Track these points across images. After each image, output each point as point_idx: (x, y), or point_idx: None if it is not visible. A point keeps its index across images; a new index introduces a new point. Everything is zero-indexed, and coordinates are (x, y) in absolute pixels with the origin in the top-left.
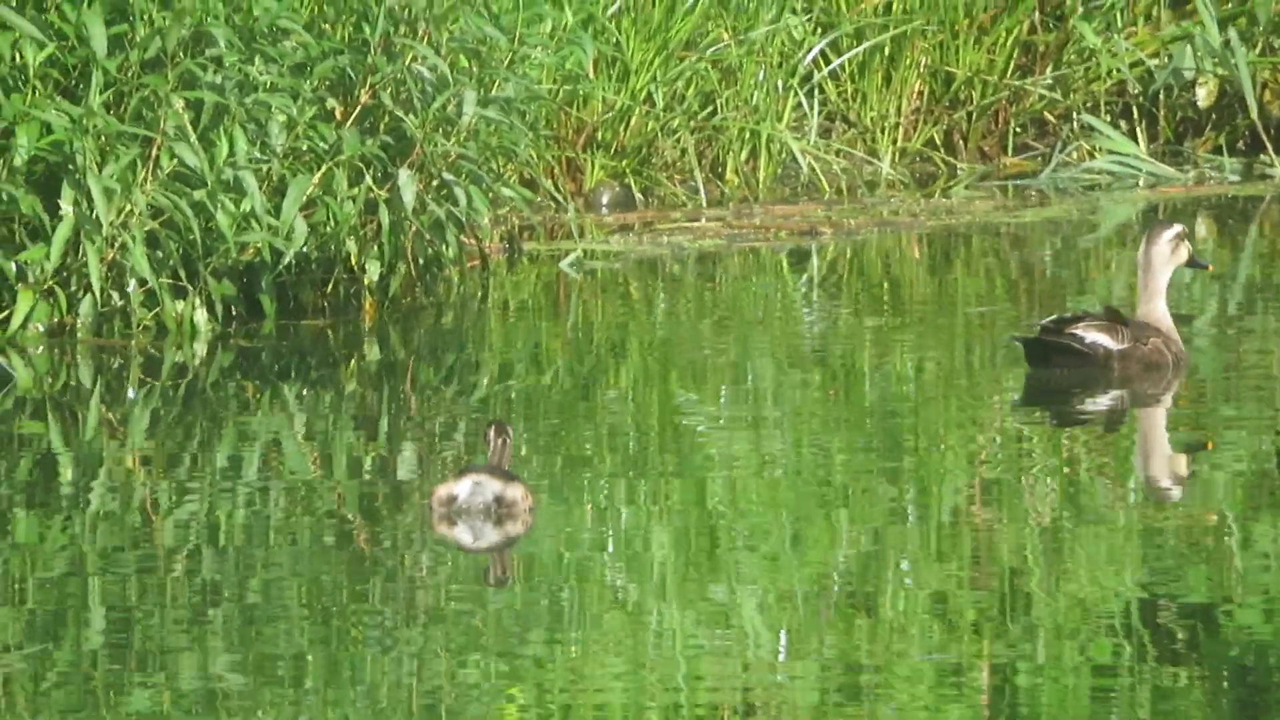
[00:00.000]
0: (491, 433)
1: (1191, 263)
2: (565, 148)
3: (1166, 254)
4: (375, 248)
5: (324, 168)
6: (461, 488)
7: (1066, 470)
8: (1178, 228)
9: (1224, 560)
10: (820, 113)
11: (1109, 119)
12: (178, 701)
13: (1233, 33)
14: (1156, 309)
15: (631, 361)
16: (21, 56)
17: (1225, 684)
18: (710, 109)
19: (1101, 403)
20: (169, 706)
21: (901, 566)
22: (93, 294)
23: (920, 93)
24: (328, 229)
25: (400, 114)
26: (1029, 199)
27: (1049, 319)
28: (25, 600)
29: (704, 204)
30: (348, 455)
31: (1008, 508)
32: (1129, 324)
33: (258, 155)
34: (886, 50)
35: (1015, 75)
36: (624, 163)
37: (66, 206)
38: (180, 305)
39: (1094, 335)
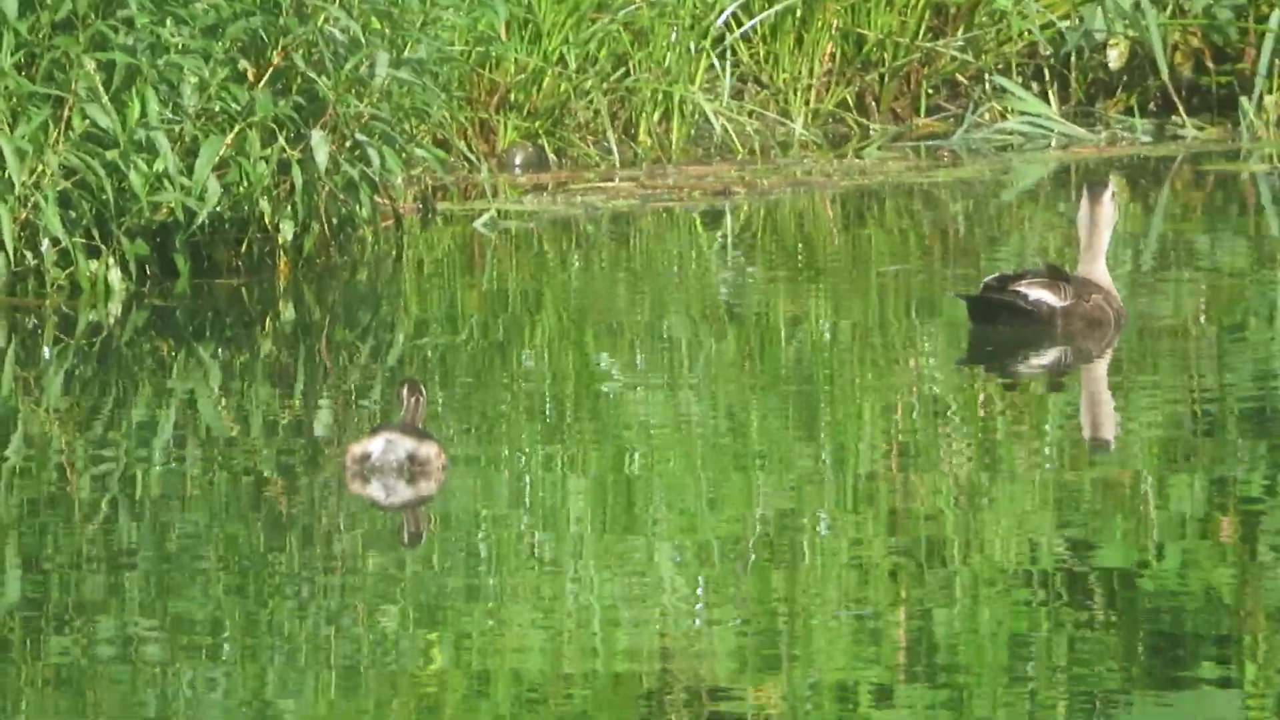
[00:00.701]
0: (404, 391)
1: None
2: (478, 109)
3: (1111, 212)
4: (289, 207)
5: (237, 128)
6: (374, 445)
7: (988, 426)
8: (1113, 185)
9: (1143, 516)
10: (733, 74)
11: (1021, 80)
12: (93, 658)
13: None
14: (1098, 267)
15: (546, 320)
16: None
17: (1141, 638)
18: (623, 70)
19: (1042, 359)
20: (85, 663)
21: (819, 521)
22: (6, 254)
23: (832, 54)
24: (241, 189)
25: (313, 75)
26: (941, 160)
27: (992, 276)
28: None
29: (617, 164)
30: (263, 414)
31: (926, 464)
32: (1071, 281)
33: (170, 116)
34: (799, 12)
35: (927, 37)
36: (537, 124)
37: None
38: (94, 265)
39: (1037, 292)
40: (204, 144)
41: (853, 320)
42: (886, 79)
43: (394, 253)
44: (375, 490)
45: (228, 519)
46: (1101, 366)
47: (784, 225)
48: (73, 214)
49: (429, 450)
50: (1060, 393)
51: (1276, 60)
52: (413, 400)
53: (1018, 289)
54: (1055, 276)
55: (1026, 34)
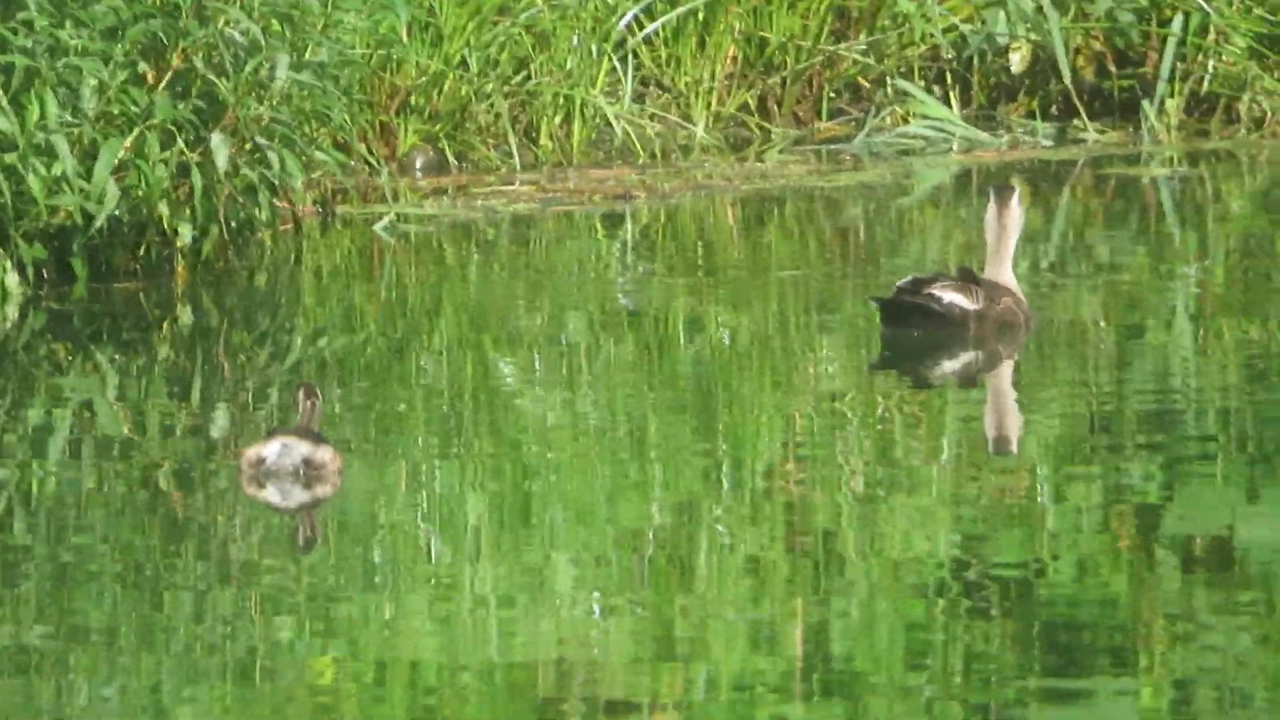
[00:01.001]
0: (300, 395)
1: None
2: (379, 112)
3: (1019, 216)
4: (188, 211)
5: (136, 131)
6: (270, 450)
7: (889, 429)
8: (1018, 189)
9: (1041, 520)
10: (634, 77)
11: (923, 84)
12: None
13: None
14: (1005, 271)
15: (445, 324)
16: None
17: (1037, 643)
18: (524, 74)
19: (954, 363)
20: None
21: (716, 527)
22: None
23: (734, 57)
24: (140, 192)
25: (213, 78)
26: (843, 163)
27: (905, 279)
28: None
29: (518, 168)
30: (160, 418)
31: (825, 466)
32: (981, 284)
33: (69, 119)
34: (700, 15)
35: (829, 40)
36: (438, 127)
37: None
38: None
39: (950, 295)
40: (103, 147)
41: (752, 323)
42: (788, 82)
43: (293, 256)
44: (271, 494)
45: (123, 523)
46: (1008, 370)
47: (684, 229)
48: None
49: (325, 454)
50: (966, 396)
51: (1178, 64)
52: (309, 404)
53: (931, 292)
54: (967, 280)
55: (929, 37)
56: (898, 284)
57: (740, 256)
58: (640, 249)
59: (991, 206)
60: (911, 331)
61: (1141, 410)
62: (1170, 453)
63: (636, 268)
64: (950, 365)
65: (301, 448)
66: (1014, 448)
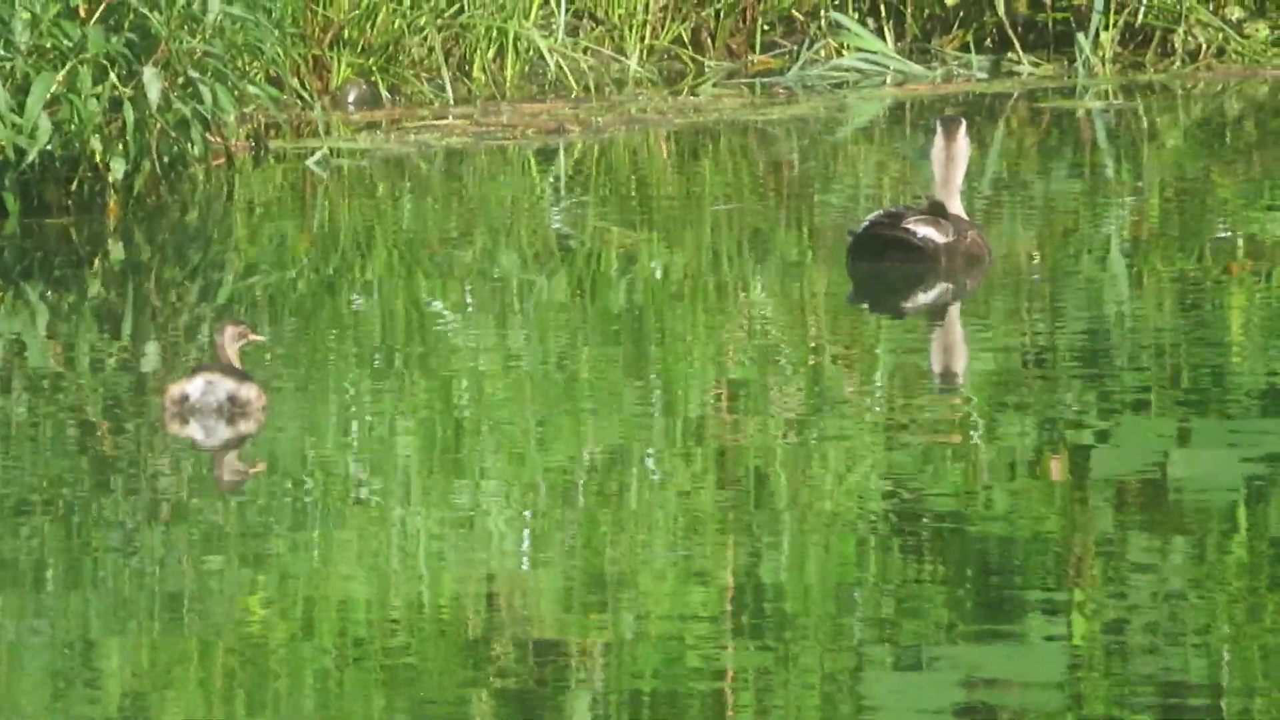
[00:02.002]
0: (223, 329)
1: None
2: (311, 45)
3: (966, 147)
4: (120, 146)
5: (68, 65)
6: (194, 387)
7: (812, 369)
8: (964, 121)
9: (972, 457)
10: (568, 10)
11: (857, 17)
12: None
13: None
14: (955, 203)
15: (377, 260)
16: None
17: (969, 582)
18: (457, 7)
19: (926, 295)
20: None
21: (648, 464)
22: None
23: None
24: (72, 127)
25: (145, 11)
26: (777, 97)
27: (876, 213)
28: None
29: (451, 102)
30: (90, 353)
31: (756, 405)
32: (948, 217)
33: (1, 53)
34: None
35: None
36: (371, 60)
37: None
38: None
39: (924, 229)
40: (35, 81)
41: (686, 258)
42: (722, 15)
43: (225, 192)
44: (194, 431)
45: (51, 460)
46: (967, 303)
47: (618, 163)
48: None
49: (249, 392)
50: (915, 329)
51: None
52: (224, 336)
53: (906, 225)
54: (936, 213)
55: None
56: (869, 218)
57: (674, 190)
58: (574, 183)
59: (938, 138)
60: (881, 265)
61: (1076, 344)
62: (1104, 387)
63: (570, 202)
64: (922, 298)
65: (226, 384)
66: (956, 382)
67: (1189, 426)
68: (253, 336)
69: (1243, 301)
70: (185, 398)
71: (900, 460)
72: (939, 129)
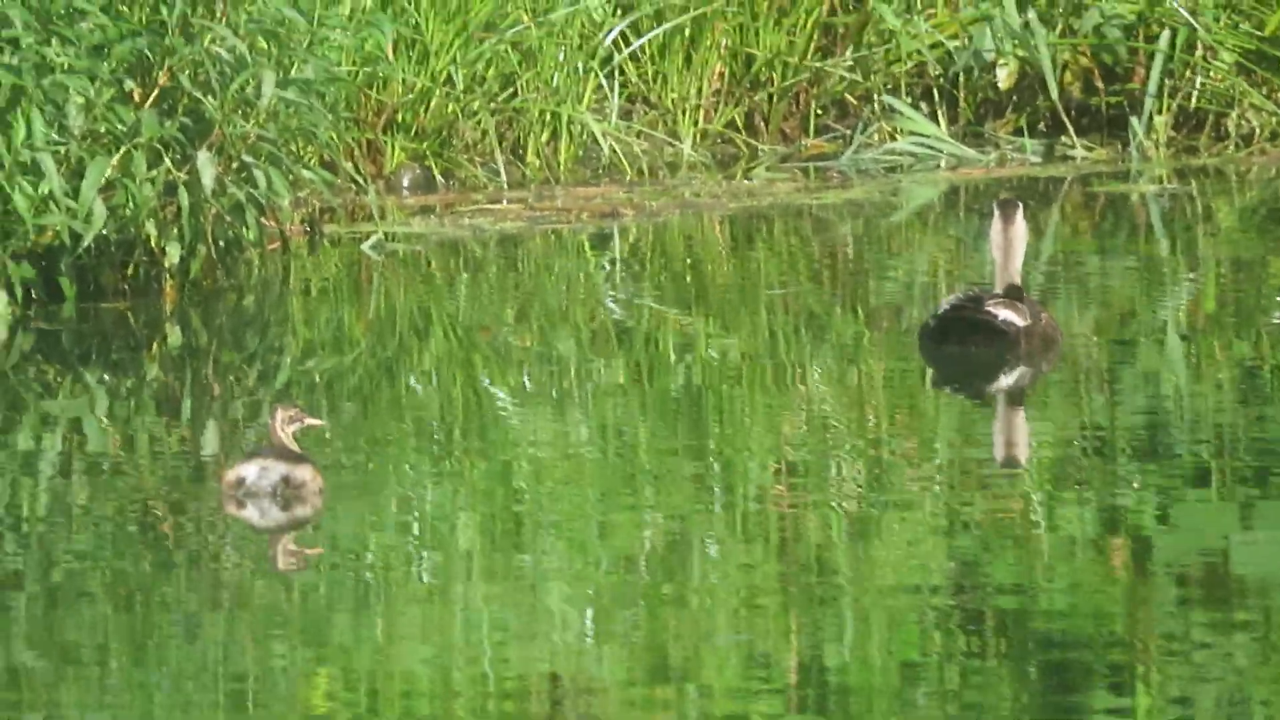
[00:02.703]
0: (275, 412)
1: None
2: (365, 130)
3: (1024, 231)
4: (175, 230)
5: (122, 150)
6: (249, 470)
7: (874, 452)
8: (1021, 204)
9: (1034, 542)
10: (621, 94)
11: (910, 101)
12: None
13: (1032, 14)
14: (1017, 287)
15: (434, 343)
16: None
17: (1032, 664)
18: (511, 91)
19: (1006, 379)
20: None
21: (708, 546)
22: None
23: (721, 74)
24: (127, 211)
25: (199, 96)
26: (830, 180)
27: (955, 297)
28: None
29: (505, 186)
30: (149, 438)
31: (816, 488)
32: (1025, 301)
33: (55, 137)
34: (687, 31)
35: (816, 57)
36: (424, 145)
37: None
38: None
39: (1004, 312)
40: (89, 165)
41: (742, 341)
42: (775, 99)
43: (281, 275)
44: (251, 514)
45: (112, 545)
46: (1040, 386)
47: (672, 247)
48: None
49: (304, 473)
50: (977, 412)
51: (1166, 80)
52: (277, 418)
53: (990, 309)
54: (1013, 297)
55: (915, 54)
56: (948, 302)
57: (728, 274)
58: (628, 267)
59: (997, 221)
60: (959, 348)
61: (1135, 428)
62: (1164, 473)
63: (624, 286)
64: (1001, 381)
65: (280, 467)
66: (1018, 465)
67: (1250, 510)
68: (309, 421)
69: None
70: (242, 481)
71: (962, 543)
72: (997, 212)
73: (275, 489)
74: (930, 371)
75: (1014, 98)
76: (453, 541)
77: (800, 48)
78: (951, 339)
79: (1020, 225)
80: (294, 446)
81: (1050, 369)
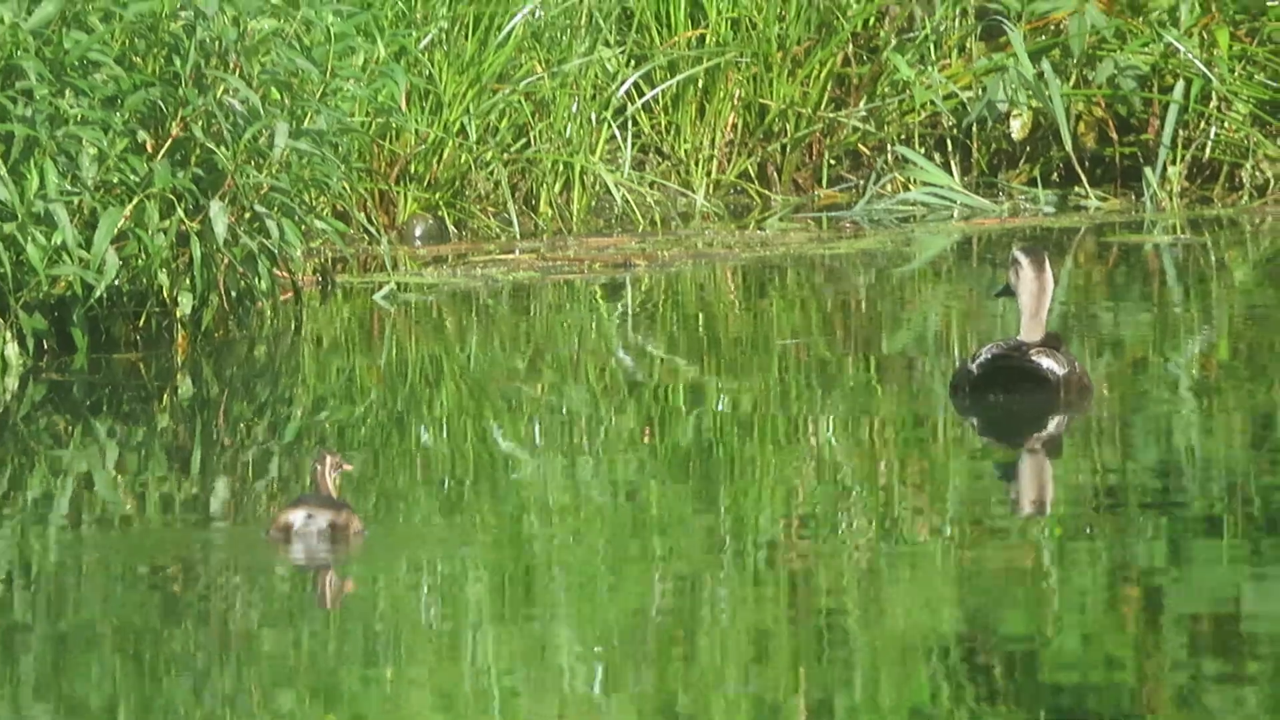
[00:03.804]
0: (317, 460)
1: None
2: (378, 180)
3: (1052, 278)
4: (187, 280)
5: (135, 200)
6: (295, 516)
7: (887, 501)
8: (1047, 251)
9: (1044, 592)
10: (634, 145)
11: (923, 151)
12: None
13: (1046, 65)
14: (1041, 335)
15: (446, 394)
16: None
17: (1041, 717)
18: (524, 141)
19: (1048, 428)
20: None
21: (719, 599)
22: None
23: (734, 125)
24: (139, 262)
25: (212, 146)
26: (843, 231)
27: (994, 345)
28: None
29: (518, 236)
30: (160, 489)
31: (827, 539)
32: (1061, 349)
33: (69, 188)
34: (700, 82)
35: (829, 107)
36: (437, 195)
37: None
38: None
39: (1046, 360)
40: (102, 216)
41: (754, 392)
42: (788, 150)
43: (293, 326)
44: (296, 556)
45: (123, 596)
46: (1067, 434)
47: (685, 297)
48: None
49: (345, 518)
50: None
51: (1180, 131)
52: (318, 468)
53: (1034, 358)
54: (1050, 344)
55: (929, 105)
56: (988, 350)
57: (741, 325)
58: (641, 317)
59: (1027, 269)
60: (1003, 397)
61: (1147, 479)
62: (1176, 524)
63: (637, 336)
64: (1041, 429)
65: (326, 513)
66: (1030, 514)
67: (1263, 562)
68: (345, 466)
69: None
70: (289, 526)
71: (973, 593)
72: (1025, 260)
73: (321, 533)
74: (952, 420)
75: (1028, 148)
76: (463, 592)
77: (813, 98)
78: (996, 387)
79: (1049, 273)
80: (334, 493)
81: (1083, 417)
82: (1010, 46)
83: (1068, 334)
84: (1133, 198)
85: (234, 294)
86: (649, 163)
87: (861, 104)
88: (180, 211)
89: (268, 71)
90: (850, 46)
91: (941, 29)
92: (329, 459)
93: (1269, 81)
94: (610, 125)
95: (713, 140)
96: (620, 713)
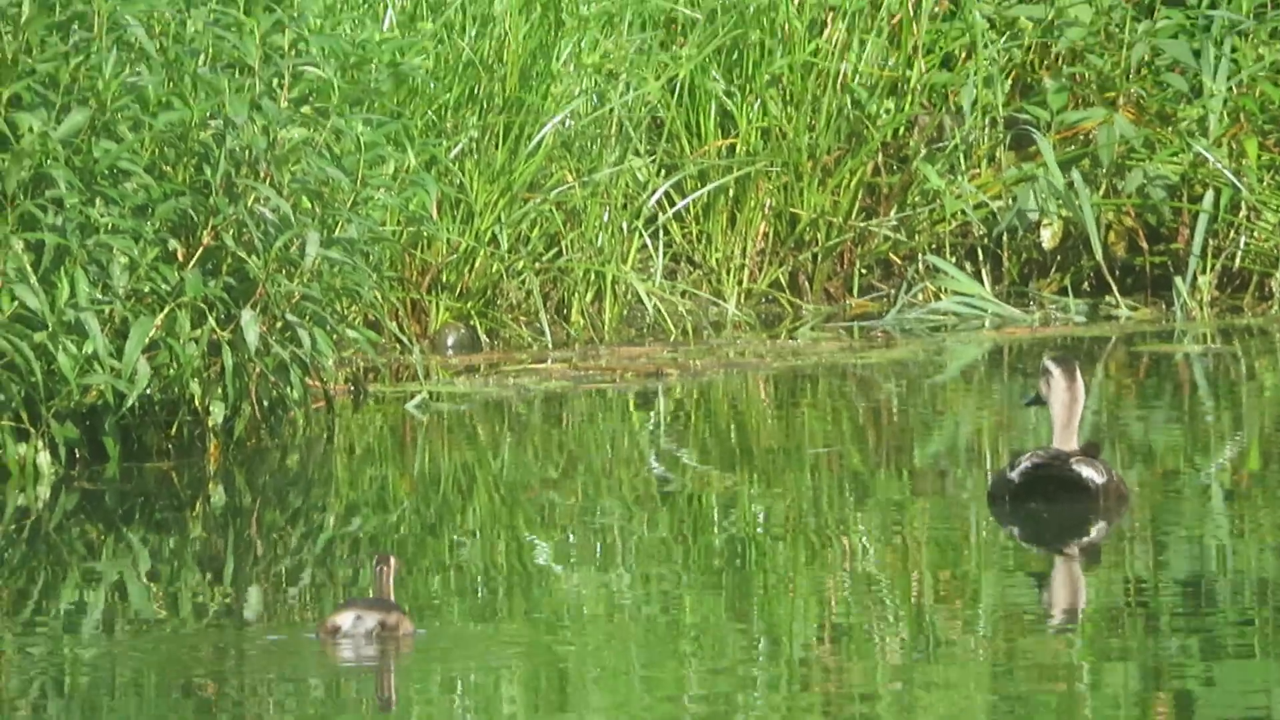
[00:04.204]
0: (376, 564)
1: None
2: (410, 289)
3: (1083, 387)
4: (219, 389)
5: (166, 309)
6: (345, 619)
7: (918, 609)
8: (1079, 360)
9: (1076, 704)
10: (665, 254)
11: (954, 260)
12: None
13: (1076, 174)
14: (1074, 443)
15: (479, 503)
16: None
17: None
18: (555, 250)
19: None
20: None
21: (753, 712)
22: None
23: (765, 234)
24: (171, 371)
25: (243, 255)
26: (875, 340)
27: (1034, 455)
28: None
29: (550, 345)
30: (192, 598)
31: (860, 649)
32: (1099, 458)
33: (99, 297)
34: (731, 192)
35: (860, 217)
36: (469, 304)
37: None
38: (23, 448)
39: (1087, 470)
40: (133, 325)
41: (787, 502)
42: (819, 259)
43: (325, 435)
44: (345, 657)
45: (156, 706)
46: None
47: (717, 406)
48: (1, 396)
49: (395, 619)
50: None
51: (1210, 240)
52: (379, 570)
53: (1075, 468)
54: (1089, 453)
55: (959, 214)
56: (1031, 460)
57: (773, 434)
58: (673, 427)
59: (1060, 379)
60: (1044, 506)
61: (1179, 590)
62: (1207, 633)
63: (669, 446)
64: (1087, 539)
65: (374, 615)
66: (1060, 624)
67: None
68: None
69: None
70: (338, 629)
71: (1007, 698)
72: (1057, 370)
73: (370, 633)
74: (988, 529)
75: (1058, 257)
76: (497, 702)
77: (844, 208)
78: (1037, 496)
79: (1080, 383)
80: (392, 596)
81: (1120, 526)
82: (1040, 156)
83: (1099, 443)
84: (1163, 307)
85: (266, 403)
86: (680, 272)
87: (892, 213)
88: (212, 321)
89: (298, 180)
90: (880, 156)
91: (971, 139)
92: (394, 561)
93: None
94: (641, 234)
95: (744, 249)
96: None
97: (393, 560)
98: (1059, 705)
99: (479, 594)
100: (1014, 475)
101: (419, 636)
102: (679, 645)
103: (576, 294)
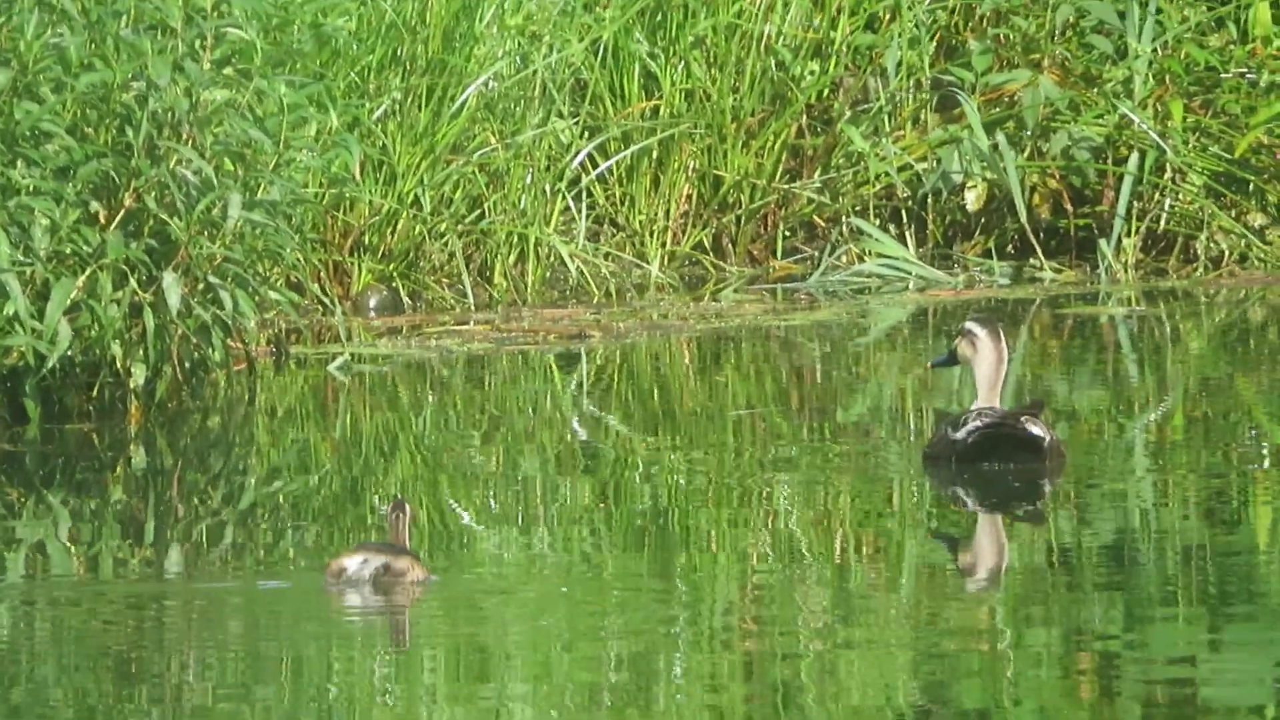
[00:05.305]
0: (391, 510)
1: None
2: (332, 251)
3: (1006, 347)
4: (140, 351)
5: (88, 271)
6: (351, 561)
7: (837, 570)
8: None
9: (1000, 667)
10: (589, 216)
11: (878, 223)
12: None
13: (1000, 137)
14: (998, 403)
15: (400, 465)
16: None
17: None
18: (478, 212)
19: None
20: None
21: (675, 668)
22: None
23: (689, 196)
24: (92, 332)
25: (165, 217)
26: (798, 302)
27: (985, 415)
28: None
29: (472, 307)
30: (113, 559)
31: (783, 612)
32: (1042, 415)
33: (21, 259)
34: (655, 154)
35: (784, 179)
36: (391, 266)
37: None
38: None
39: (1034, 427)
40: (55, 287)
41: (708, 464)
42: (743, 221)
43: (247, 396)
44: (351, 600)
45: (76, 667)
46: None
47: (640, 368)
48: None
49: (403, 564)
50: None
51: (1135, 203)
52: (394, 517)
53: (1027, 426)
54: (1033, 412)
55: (883, 176)
56: (983, 420)
57: (696, 396)
58: (596, 389)
59: (985, 339)
60: (997, 466)
61: (1100, 552)
62: (1130, 595)
63: (592, 408)
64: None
65: (380, 558)
66: (984, 586)
67: (1218, 631)
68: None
69: (1269, 508)
70: (343, 570)
71: (927, 666)
72: (984, 331)
73: (375, 576)
74: (916, 490)
75: (982, 220)
76: (416, 666)
77: (768, 170)
78: (989, 456)
79: (1004, 343)
80: (408, 543)
81: (1058, 484)
82: (965, 118)
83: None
84: (1087, 269)
85: (187, 365)
86: (604, 234)
87: (816, 175)
88: (133, 282)
89: (221, 142)
90: (804, 118)
91: (896, 101)
92: (409, 508)
93: (1223, 153)
94: (565, 196)
95: (667, 212)
96: None
97: (407, 507)
98: (981, 665)
99: None
100: (962, 435)
101: (431, 583)
102: (601, 606)
103: (499, 256)
